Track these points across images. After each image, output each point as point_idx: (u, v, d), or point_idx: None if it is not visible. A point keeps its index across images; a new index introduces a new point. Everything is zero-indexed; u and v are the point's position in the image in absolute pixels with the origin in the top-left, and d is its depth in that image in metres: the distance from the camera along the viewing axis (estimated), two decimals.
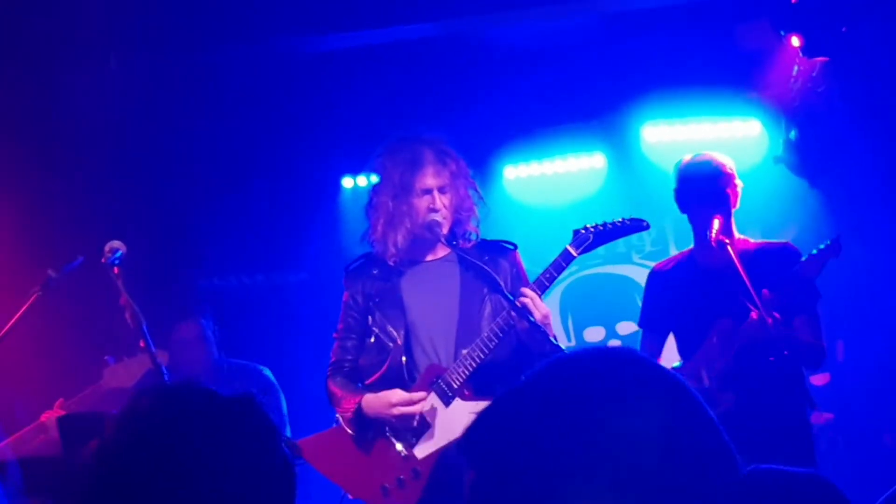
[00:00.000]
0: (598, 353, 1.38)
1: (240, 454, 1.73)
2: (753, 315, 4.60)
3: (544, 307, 4.33)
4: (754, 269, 4.71)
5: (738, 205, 4.91)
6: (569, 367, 1.35)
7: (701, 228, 4.89)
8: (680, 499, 1.23)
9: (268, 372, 5.96)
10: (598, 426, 1.26)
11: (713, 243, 4.80)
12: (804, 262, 4.71)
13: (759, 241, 5.09)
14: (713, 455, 1.29)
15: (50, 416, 4.88)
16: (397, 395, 4.38)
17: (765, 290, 4.57)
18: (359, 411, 4.43)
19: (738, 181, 4.91)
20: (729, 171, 4.90)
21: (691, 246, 5.07)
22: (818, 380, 5.28)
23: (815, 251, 4.71)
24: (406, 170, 4.50)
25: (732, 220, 4.91)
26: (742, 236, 4.97)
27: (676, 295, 4.96)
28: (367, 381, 4.54)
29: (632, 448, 1.25)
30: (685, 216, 5.06)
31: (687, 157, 5.02)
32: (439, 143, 4.57)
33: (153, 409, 1.76)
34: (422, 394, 4.36)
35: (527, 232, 6.74)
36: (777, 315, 4.57)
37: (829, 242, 4.71)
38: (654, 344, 5.13)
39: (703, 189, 4.85)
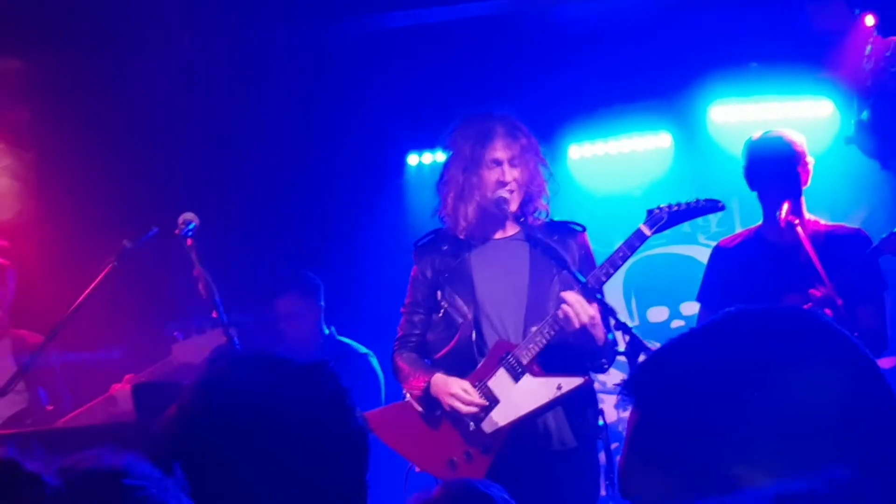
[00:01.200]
0: (781, 311, 1.37)
1: (313, 420, 1.75)
2: (817, 293, 4.57)
3: (590, 309, 4.30)
4: (823, 252, 4.67)
5: (808, 183, 4.86)
6: (750, 321, 1.35)
7: (770, 206, 4.85)
8: (846, 465, 1.20)
9: (373, 358, 6.00)
10: (773, 384, 1.25)
11: (782, 224, 4.76)
12: (878, 244, 4.67)
13: (831, 224, 5.03)
14: (891, 423, 1.27)
15: (119, 389, 4.97)
16: (460, 385, 4.40)
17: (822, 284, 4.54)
18: (427, 391, 4.46)
19: (809, 159, 4.86)
20: (800, 148, 4.85)
21: (759, 223, 5.03)
22: (885, 363, 5.22)
23: (886, 234, 4.66)
24: (477, 142, 4.52)
25: (802, 199, 4.86)
26: (813, 217, 4.93)
27: (741, 271, 4.92)
28: (435, 357, 4.58)
29: (807, 410, 1.24)
30: (752, 196, 5.02)
31: (757, 134, 4.99)
32: (510, 118, 4.59)
33: (228, 376, 1.79)
34: (483, 401, 4.38)
35: (591, 211, 6.72)
36: (839, 301, 4.53)
37: None
38: None
39: (774, 167, 4.81)
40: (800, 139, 4.89)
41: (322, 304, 6.09)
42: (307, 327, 6.02)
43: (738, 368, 1.27)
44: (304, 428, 1.74)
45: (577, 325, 4.26)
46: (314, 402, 1.78)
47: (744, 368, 1.27)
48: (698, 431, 1.26)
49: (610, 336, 4.41)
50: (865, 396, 1.28)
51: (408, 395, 4.57)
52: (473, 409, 4.36)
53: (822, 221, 4.98)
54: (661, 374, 1.33)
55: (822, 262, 4.60)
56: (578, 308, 4.27)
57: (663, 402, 1.30)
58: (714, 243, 7.39)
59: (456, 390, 4.38)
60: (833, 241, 4.81)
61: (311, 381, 1.80)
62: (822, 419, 1.24)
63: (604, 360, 4.45)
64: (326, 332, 6.10)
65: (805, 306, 4.58)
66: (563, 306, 4.28)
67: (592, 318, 4.29)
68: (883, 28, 5.72)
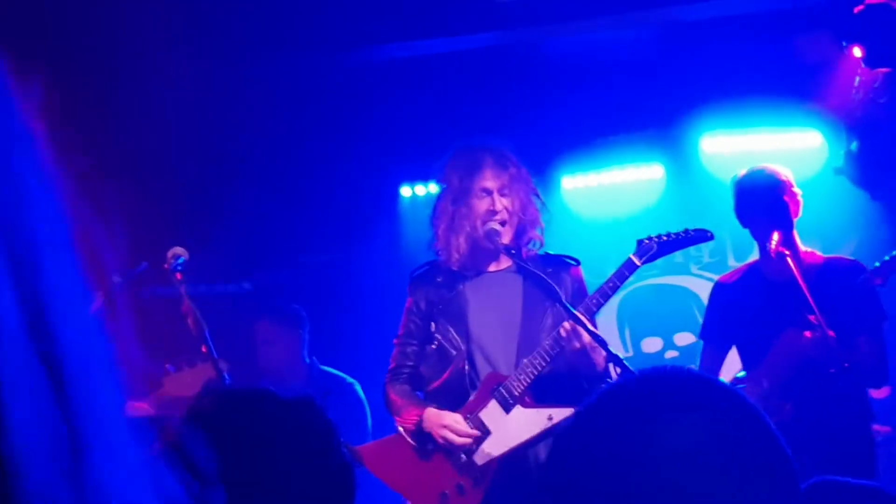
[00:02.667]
0: (647, 375, 1.39)
1: (298, 454, 1.75)
2: (807, 334, 4.58)
3: (584, 335, 4.29)
4: (820, 284, 4.68)
5: (799, 214, 4.87)
6: (619, 393, 1.38)
7: (763, 241, 4.86)
8: None
9: (357, 387, 5.99)
10: (653, 445, 1.28)
11: (773, 255, 4.77)
12: (871, 272, 4.68)
13: (827, 256, 5.04)
14: (772, 467, 1.29)
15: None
16: (452, 418, 4.40)
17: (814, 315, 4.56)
18: (420, 425, 4.46)
19: (796, 189, 4.88)
20: (785, 179, 4.87)
21: (755, 258, 5.04)
22: (878, 393, 5.23)
23: (887, 258, 4.68)
24: (466, 173, 4.53)
25: (794, 230, 4.87)
26: (808, 249, 4.94)
27: (740, 307, 4.93)
28: (427, 389, 4.57)
29: (688, 464, 1.26)
30: (745, 228, 5.03)
31: (742, 171, 5.00)
32: (499, 149, 4.61)
33: (214, 411, 1.80)
34: (475, 432, 4.38)
35: (584, 242, 6.74)
36: (831, 333, 4.54)
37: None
38: (715, 356, 5.10)
39: (761, 200, 4.82)
40: (784, 171, 4.91)
41: (304, 334, 6.05)
42: (284, 356, 5.99)
43: (616, 442, 1.32)
44: (291, 464, 1.74)
45: (577, 345, 4.26)
46: (301, 438, 1.78)
47: (622, 441, 1.31)
48: None
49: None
50: (742, 442, 1.30)
51: (400, 429, 4.57)
52: (466, 441, 4.36)
53: (819, 253, 4.99)
54: (558, 470, 1.38)
55: (819, 294, 4.61)
56: (578, 330, 4.28)
57: (567, 495, 1.34)
58: (707, 273, 7.48)
59: (448, 422, 4.38)
60: (829, 273, 4.81)
61: (297, 417, 1.81)
62: (704, 471, 1.27)
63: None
64: (307, 361, 6.07)
65: (806, 333, 4.59)
66: (565, 324, 4.28)
67: (590, 342, 4.29)
68: (870, 60, 5.75)
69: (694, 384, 1.34)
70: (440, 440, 4.39)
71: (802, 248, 4.90)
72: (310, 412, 1.82)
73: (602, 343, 4.27)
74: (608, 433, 1.32)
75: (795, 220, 4.87)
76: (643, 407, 1.32)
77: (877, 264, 4.73)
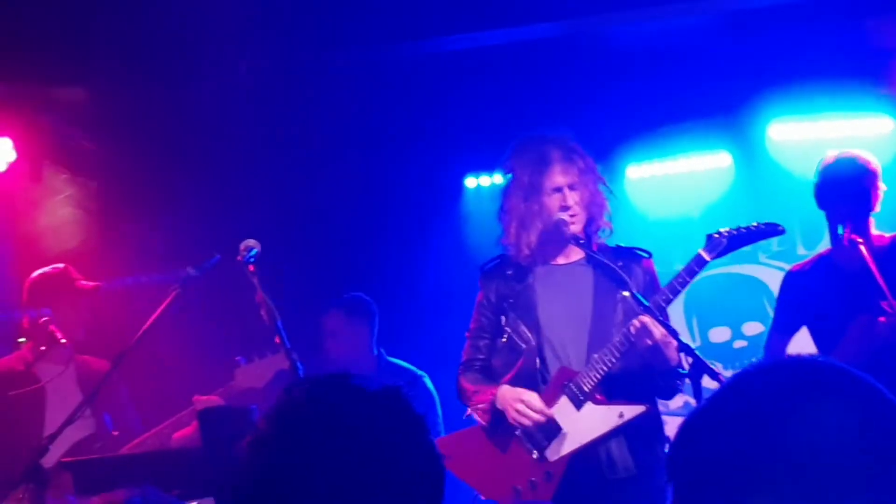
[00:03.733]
0: (785, 364, 1.41)
1: (388, 446, 1.75)
2: (881, 319, 4.53)
3: (658, 329, 4.26)
4: (891, 264, 4.63)
5: (878, 208, 4.82)
6: (758, 380, 1.39)
7: (838, 227, 4.81)
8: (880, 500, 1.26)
9: (427, 379, 6.01)
10: (790, 435, 1.30)
11: (845, 242, 4.72)
12: None
13: (893, 234, 4.98)
14: None
15: (202, 400, 5.05)
16: (530, 395, 4.40)
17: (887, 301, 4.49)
18: (494, 403, 4.46)
19: (881, 182, 4.81)
20: (874, 169, 4.81)
21: (828, 247, 4.99)
22: None
23: None
24: (535, 170, 4.52)
25: (871, 219, 4.82)
26: (878, 232, 4.88)
27: (812, 296, 4.89)
28: (499, 383, 4.57)
29: (827, 455, 1.28)
30: (813, 216, 4.99)
31: (832, 154, 4.93)
32: (566, 141, 4.59)
33: (304, 403, 1.80)
34: (549, 411, 4.37)
35: (650, 232, 6.70)
36: None
37: None
38: (780, 344, 5.07)
39: (848, 188, 4.77)
40: (875, 161, 4.85)
41: (373, 325, 6.07)
42: (353, 348, 6.00)
43: (755, 428, 1.33)
44: (384, 454, 1.74)
45: (649, 342, 4.24)
46: (393, 428, 1.78)
47: (761, 428, 1.33)
48: (735, 496, 1.31)
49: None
50: (881, 431, 1.32)
51: (474, 415, 4.56)
52: (540, 418, 4.34)
53: (887, 235, 4.93)
54: (688, 447, 1.39)
55: (889, 276, 4.56)
56: (649, 326, 4.25)
57: (694, 474, 1.36)
58: (775, 262, 7.40)
59: (525, 397, 4.37)
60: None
61: (387, 407, 1.81)
62: (843, 460, 1.28)
63: (678, 382, 4.41)
64: (376, 352, 6.09)
65: (880, 319, 4.53)
66: (635, 321, 4.26)
67: (664, 335, 4.25)
68: None
69: (829, 374, 1.37)
70: (514, 414, 4.37)
71: (874, 232, 4.85)
72: (398, 403, 1.82)
73: (674, 334, 4.25)
74: (742, 422, 1.34)
75: (874, 211, 4.82)
76: (780, 395, 1.34)
77: None
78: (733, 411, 1.36)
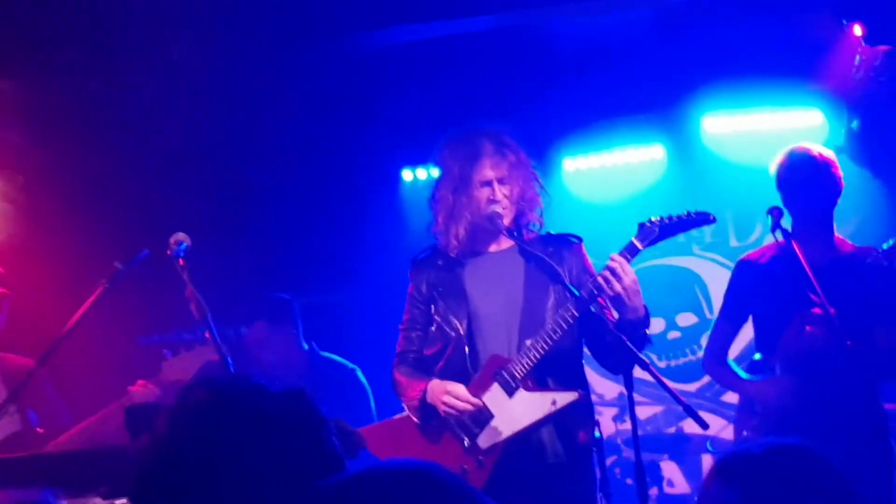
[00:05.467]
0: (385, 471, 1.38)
1: (288, 447, 1.74)
2: (815, 311, 4.58)
3: (632, 272, 4.29)
4: (847, 273, 4.68)
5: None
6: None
7: (802, 222, 4.84)
8: None
9: (359, 373, 5.99)
10: None
11: (773, 232, 4.78)
12: (881, 253, 4.66)
13: (858, 246, 5.00)
14: None
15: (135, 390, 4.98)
16: (455, 386, 4.40)
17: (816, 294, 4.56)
18: (424, 397, 4.46)
19: (842, 182, 4.87)
20: (838, 169, 4.85)
21: (781, 239, 5.02)
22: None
23: (892, 241, 4.67)
24: (465, 162, 4.52)
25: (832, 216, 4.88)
26: (840, 237, 4.93)
27: (763, 286, 4.92)
28: (430, 372, 4.57)
29: None
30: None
31: (798, 146, 4.94)
32: (498, 135, 4.58)
33: (203, 403, 1.78)
34: (477, 401, 4.37)
35: (585, 224, 6.73)
36: (832, 311, 4.54)
37: None
38: (728, 333, 5.11)
39: (819, 186, 4.80)
40: (834, 156, 4.90)
41: (297, 323, 6.03)
42: (282, 350, 5.98)
43: None
44: (277, 457, 1.73)
45: (619, 288, 4.24)
46: (294, 428, 1.77)
47: None
48: None
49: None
50: None
51: (406, 408, 4.57)
52: (468, 406, 4.35)
53: (850, 243, 4.97)
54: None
55: (844, 283, 4.61)
56: (626, 267, 4.26)
57: None
58: (709, 254, 7.48)
59: (451, 389, 4.37)
60: (856, 263, 4.80)
61: (287, 407, 1.79)
62: None
63: (646, 331, 4.41)
64: (306, 347, 6.06)
65: (815, 310, 4.59)
66: (609, 263, 4.26)
67: (635, 281, 4.27)
68: (871, 38, 5.74)
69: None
70: (443, 408, 4.38)
71: (837, 235, 4.90)
72: (299, 404, 1.81)
73: (608, 323, 4.27)
74: None
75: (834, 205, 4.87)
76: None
77: (891, 242, 4.70)
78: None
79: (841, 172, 4.86)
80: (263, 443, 1.72)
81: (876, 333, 4.67)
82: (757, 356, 4.95)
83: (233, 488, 1.68)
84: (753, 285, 4.97)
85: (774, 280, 4.89)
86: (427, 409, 4.45)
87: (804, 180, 4.81)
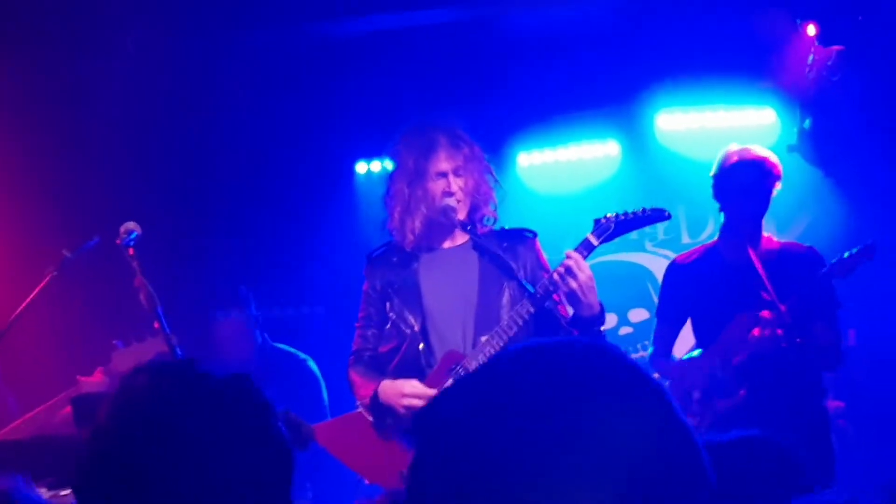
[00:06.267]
0: (566, 344, 1.28)
1: (233, 434, 1.72)
2: (767, 315, 4.61)
3: (588, 269, 4.31)
4: (777, 269, 4.71)
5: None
6: (533, 356, 1.25)
7: (734, 223, 4.86)
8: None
9: (312, 363, 5.97)
10: (557, 418, 1.18)
11: (726, 233, 4.81)
12: (833, 265, 4.69)
13: (784, 241, 5.05)
14: (682, 465, 1.21)
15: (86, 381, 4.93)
16: (410, 385, 4.39)
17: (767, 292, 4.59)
18: (375, 398, 4.44)
19: (779, 184, 4.89)
20: (777, 174, 4.87)
21: (714, 239, 5.05)
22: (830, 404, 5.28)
23: (846, 255, 4.69)
24: (420, 155, 4.51)
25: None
26: (766, 234, 4.96)
27: (697, 287, 4.94)
28: (385, 368, 4.56)
29: (593, 444, 1.17)
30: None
31: (737, 151, 4.95)
32: (452, 128, 4.58)
33: (145, 390, 1.76)
34: (433, 392, 4.37)
35: (540, 219, 6.73)
36: (783, 308, 4.58)
37: (861, 247, 4.68)
38: (668, 334, 5.13)
39: (750, 190, 4.81)
40: (777, 163, 4.91)
41: (251, 315, 6.01)
42: (237, 344, 5.96)
43: (519, 402, 1.20)
44: (222, 444, 1.71)
45: (575, 285, 4.25)
46: (238, 414, 1.75)
47: (525, 401, 1.20)
48: (483, 470, 1.18)
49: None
50: (653, 432, 1.20)
51: (359, 406, 4.55)
52: (424, 403, 4.33)
53: (775, 239, 5.01)
54: (446, 411, 1.25)
55: (775, 280, 4.64)
56: (582, 263, 4.28)
57: (446, 438, 1.23)
58: (661, 250, 7.51)
59: (407, 390, 4.36)
60: (786, 259, 4.83)
61: (232, 393, 1.77)
62: (610, 454, 1.16)
63: (601, 328, 4.43)
64: (259, 340, 6.04)
65: (763, 313, 4.63)
66: (565, 261, 4.28)
67: (590, 278, 4.29)
68: (824, 38, 5.79)
69: (608, 361, 1.24)
70: (402, 410, 4.37)
71: (763, 233, 4.92)
72: (244, 390, 1.78)
73: (561, 318, 4.28)
74: (509, 394, 1.21)
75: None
76: (552, 376, 1.22)
77: (843, 256, 4.72)
78: (484, 397, 1.23)
79: (779, 173, 4.87)
80: (206, 428, 1.69)
81: (816, 329, 4.71)
82: (696, 352, 4.97)
83: (176, 475, 1.66)
84: (687, 286, 4.99)
85: (708, 279, 4.91)
86: (379, 408, 4.44)
87: (739, 184, 4.83)
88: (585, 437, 1.17)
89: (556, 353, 1.26)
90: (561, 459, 1.16)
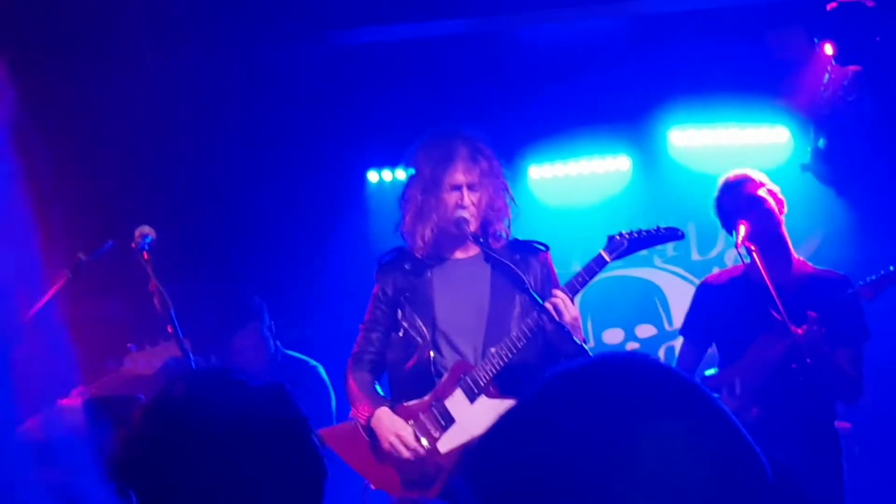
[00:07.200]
0: (609, 361, 1.27)
1: (268, 445, 1.72)
2: (799, 331, 4.57)
3: (574, 309, 4.34)
4: (807, 294, 4.69)
5: (783, 219, 4.87)
6: (577, 378, 1.25)
7: (753, 242, 4.84)
8: None
9: (321, 370, 5.99)
10: (613, 437, 1.18)
11: (738, 248, 4.79)
12: (861, 286, 4.67)
13: (819, 268, 5.01)
14: (739, 461, 1.21)
15: (66, 403, 4.91)
16: (405, 431, 4.39)
17: (811, 312, 4.56)
18: (370, 422, 4.46)
19: (778, 199, 4.86)
20: (765, 188, 4.85)
21: (745, 258, 5.03)
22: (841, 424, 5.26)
23: (873, 277, 4.67)
24: (437, 165, 4.51)
25: (784, 234, 4.85)
26: (801, 258, 4.94)
27: (724, 308, 4.92)
28: (393, 375, 4.56)
29: (651, 458, 1.17)
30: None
31: (726, 177, 4.94)
32: (474, 141, 4.56)
33: (184, 398, 1.76)
34: (421, 450, 4.36)
35: (551, 232, 6.73)
36: (798, 331, 4.55)
37: (891, 269, 4.66)
38: (694, 355, 5.09)
39: (745, 212, 4.80)
40: (762, 178, 4.90)
41: (265, 324, 6.02)
42: (252, 354, 5.97)
43: (571, 431, 1.19)
44: (261, 452, 1.71)
45: (567, 318, 4.27)
46: (272, 426, 1.75)
47: (578, 430, 1.19)
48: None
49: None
50: (707, 436, 1.20)
51: (356, 420, 4.56)
52: (410, 456, 4.35)
53: (811, 265, 4.98)
54: (498, 455, 1.24)
55: (805, 304, 4.61)
56: (569, 303, 4.30)
57: (505, 485, 1.21)
58: (670, 266, 7.51)
59: (401, 433, 4.38)
60: (818, 285, 4.80)
61: (268, 404, 1.77)
62: (669, 465, 1.17)
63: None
64: (273, 348, 6.05)
65: (769, 352, 4.61)
66: (553, 299, 4.29)
67: (576, 318, 4.30)
68: (841, 57, 5.79)
69: (653, 374, 1.24)
70: (387, 446, 4.38)
71: (796, 256, 4.90)
72: (281, 401, 1.79)
73: (567, 334, 4.28)
74: (559, 423, 1.20)
75: (783, 225, 4.86)
76: (601, 396, 1.21)
77: (872, 278, 4.71)
78: (546, 416, 1.22)
79: (781, 196, 4.85)
80: (243, 436, 1.69)
81: (840, 356, 4.68)
82: (712, 370, 4.96)
83: (213, 486, 1.66)
84: (715, 307, 4.98)
85: (736, 301, 4.90)
86: (372, 433, 4.45)
87: (738, 209, 4.82)
88: (648, 457, 1.17)
89: (600, 373, 1.24)
90: (626, 481, 1.16)
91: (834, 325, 4.59)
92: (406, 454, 4.36)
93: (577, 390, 1.23)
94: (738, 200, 4.84)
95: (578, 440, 1.18)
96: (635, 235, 4.50)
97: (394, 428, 4.38)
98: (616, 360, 1.27)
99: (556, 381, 1.25)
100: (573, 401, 1.22)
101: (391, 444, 4.37)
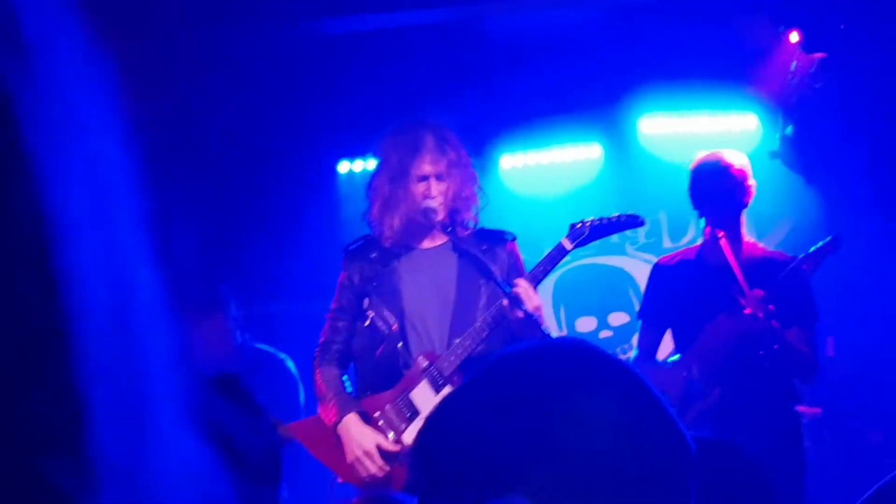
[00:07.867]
0: (543, 346, 1.38)
1: (223, 433, 1.72)
2: (747, 311, 4.61)
3: (537, 298, 4.33)
4: (758, 275, 4.71)
5: (748, 204, 4.90)
6: (518, 359, 1.35)
7: (713, 225, 4.87)
8: (633, 484, 1.24)
9: (290, 363, 5.96)
10: (545, 416, 1.26)
11: (707, 236, 4.81)
12: (801, 258, 4.72)
13: (769, 250, 5.05)
14: (663, 434, 1.29)
15: None
16: (370, 446, 4.37)
17: (757, 290, 4.59)
18: (336, 427, 4.44)
19: (751, 181, 4.90)
20: (740, 172, 4.88)
21: (699, 241, 5.06)
22: (806, 410, 5.29)
23: (813, 248, 4.72)
24: (405, 154, 4.49)
25: (743, 218, 4.90)
26: (751, 240, 4.97)
27: (678, 290, 4.95)
28: (360, 366, 4.56)
29: (580, 437, 1.26)
30: (679, 208, 5.07)
31: (701, 156, 4.98)
32: (442, 130, 4.55)
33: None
34: (386, 467, 4.35)
35: (522, 221, 6.75)
36: (772, 308, 4.58)
37: (828, 239, 4.71)
38: (652, 338, 5.12)
39: (715, 191, 4.83)
40: (742, 162, 4.93)
41: (230, 315, 5.99)
42: (216, 344, 5.94)
43: (507, 409, 1.28)
44: (217, 441, 1.70)
45: (529, 307, 4.26)
46: (228, 414, 1.74)
47: (513, 408, 1.28)
48: (484, 479, 1.26)
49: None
50: (634, 415, 1.30)
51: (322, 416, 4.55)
52: (379, 474, 4.34)
53: (760, 245, 5.01)
54: (440, 432, 1.34)
55: (755, 285, 4.64)
56: (531, 292, 4.30)
57: (446, 459, 1.31)
58: (642, 254, 7.52)
59: (367, 448, 4.35)
60: (766, 266, 4.84)
61: (221, 394, 1.77)
62: (596, 444, 1.26)
63: None
64: (239, 340, 6.02)
65: (732, 334, 4.63)
66: (515, 289, 4.29)
67: (538, 308, 4.30)
68: (807, 45, 5.82)
69: (585, 357, 1.33)
70: (352, 458, 4.36)
71: (746, 237, 4.93)
72: (234, 390, 1.78)
73: (534, 323, 4.28)
74: (496, 402, 1.29)
75: (745, 209, 4.90)
76: (535, 378, 1.31)
77: (810, 250, 4.77)
78: (491, 395, 1.31)
79: (752, 180, 4.89)
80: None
81: (791, 336, 4.72)
82: (675, 357, 4.98)
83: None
84: (670, 289, 5.01)
85: (689, 283, 4.92)
86: (339, 437, 4.45)
87: (711, 189, 4.85)
88: (577, 425, 1.27)
89: (538, 355, 1.35)
90: (558, 445, 1.25)
91: (782, 304, 4.63)
92: (371, 470, 4.34)
93: (519, 369, 1.33)
94: (706, 185, 4.86)
95: (515, 416, 1.26)
96: (596, 223, 4.52)
97: (361, 442, 4.36)
98: (554, 344, 1.41)
99: (499, 363, 1.35)
100: (513, 380, 1.31)
101: (357, 458, 4.35)
